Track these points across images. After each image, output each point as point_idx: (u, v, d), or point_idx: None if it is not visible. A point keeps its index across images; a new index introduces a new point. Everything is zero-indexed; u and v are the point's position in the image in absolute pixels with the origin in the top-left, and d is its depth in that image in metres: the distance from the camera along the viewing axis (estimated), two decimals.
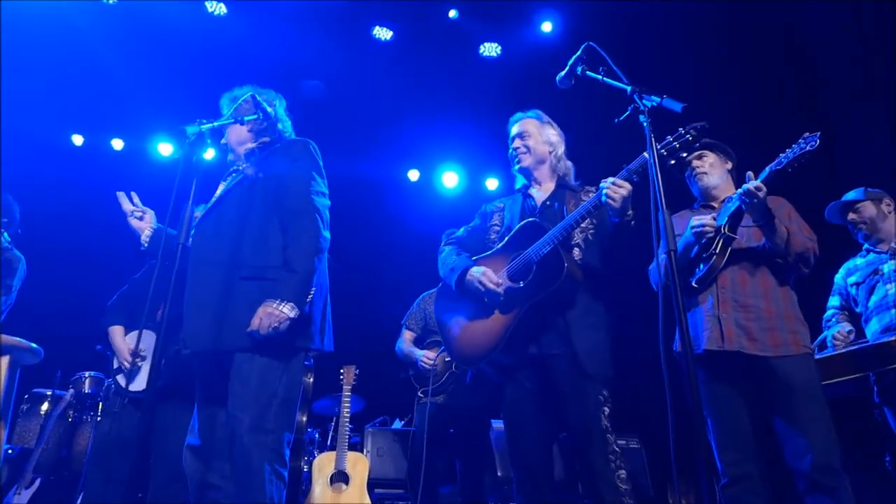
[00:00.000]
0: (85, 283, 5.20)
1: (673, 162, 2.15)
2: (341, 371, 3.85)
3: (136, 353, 3.14)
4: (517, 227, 2.43)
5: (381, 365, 4.30)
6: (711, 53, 5.47)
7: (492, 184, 6.65)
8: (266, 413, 1.91)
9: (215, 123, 2.10)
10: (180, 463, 2.78)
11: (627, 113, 1.92)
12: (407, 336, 3.91)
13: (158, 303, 3.10)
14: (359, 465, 3.51)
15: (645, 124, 1.86)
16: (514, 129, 2.66)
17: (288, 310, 1.91)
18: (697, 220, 2.37)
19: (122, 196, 2.41)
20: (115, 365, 3.23)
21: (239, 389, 1.93)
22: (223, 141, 2.40)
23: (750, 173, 2.25)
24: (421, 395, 3.71)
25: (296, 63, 5.63)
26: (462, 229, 2.74)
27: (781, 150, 2.26)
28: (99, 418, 4.56)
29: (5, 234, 3.38)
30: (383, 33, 5.92)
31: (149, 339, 3.05)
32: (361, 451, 3.87)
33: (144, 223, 2.39)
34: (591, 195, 2.35)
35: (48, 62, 5.25)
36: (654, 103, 1.85)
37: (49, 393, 4.32)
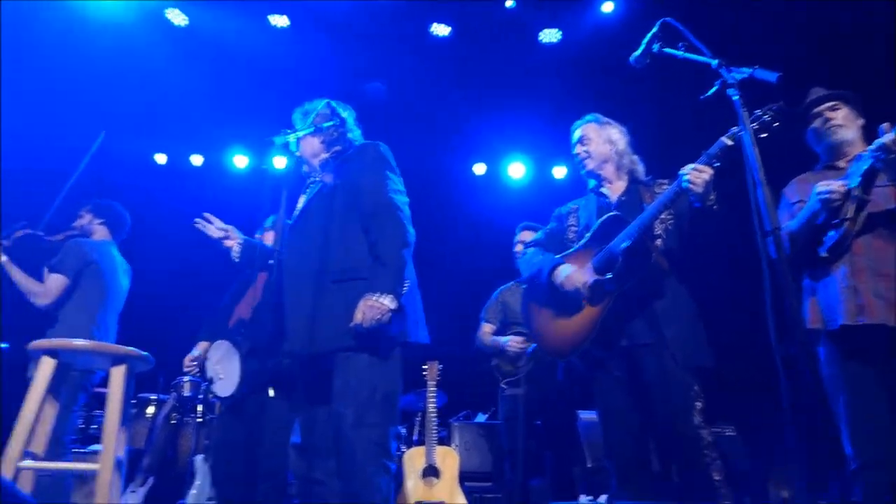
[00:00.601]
0: (181, 292, 5.54)
1: (765, 135, 2.05)
2: (424, 367, 3.90)
3: (201, 361, 3.34)
4: (599, 221, 2.42)
5: (460, 359, 4.33)
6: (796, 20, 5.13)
7: (559, 172, 6.56)
8: (369, 408, 1.97)
9: (300, 133, 2.17)
10: (272, 461, 2.95)
11: (715, 88, 1.84)
12: (486, 329, 3.93)
13: (230, 313, 3.30)
14: (448, 460, 3.56)
15: (735, 98, 1.78)
16: (575, 136, 2.66)
17: (388, 301, 1.96)
18: (823, 185, 2.19)
19: (202, 224, 2.51)
20: (209, 374, 3.41)
21: (341, 387, 1.99)
22: (297, 153, 2.48)
23: (885, 125, 2.06)
24: (504, 387, 3.72)
25: (358, 67, 5.74)
26: (539, 233, 2.75)
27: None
28: (199, 419, 4.83)
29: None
30: (441, 30, 5.93)
31: (223, 348, 3.18)
32: (449, 446, 3.91)
33: (231, 240, 2.50)
34: (664, 187, 2.33)
35: (128, 87, 5.56)
36: (745, 76, 1.77)
37: (154, 397, 4.61)
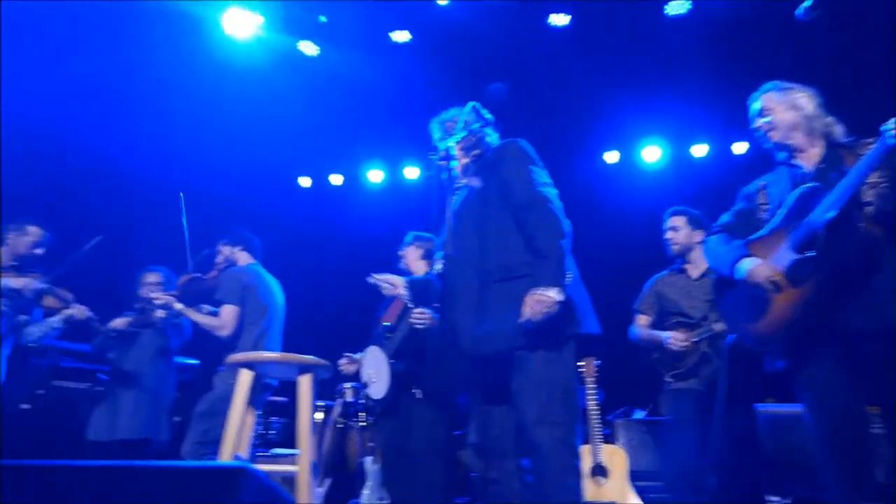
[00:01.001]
0: (331, 304, 5.90)
1: None
2: (581, 364, 3.82)
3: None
4: (793, 196, 2.18)
5: (615, 354, 4.18)
6: None
7: (699, 150, 6.17)
8: (551, 405, 1.95)
9: (456, 137, 2.21)
10: (423, 459, 3.04)
11: None
12: (642, 321, 3.76)
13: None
14: (616, 458, 3.45)
15: None
16: (754, 109, 2.43)
17: (554, 294, 1.94)
18: None
19: (376, 281, 2.65)
20: (363, 379, 3.57)
21: (519, 386, 1.99)
22: (439, 162, 2.52)
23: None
24: (670, 380, 3.53)
25: (482, 66, 5.78)
26: (727, 215, 2.54)
27: None
28: (362, 423, 5.08)
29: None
30: (560, 19, 5.81)
31: (374, 352, 3.31)
32: (613, 444, 3.79)
33: (397, 288, 2.61)
34: (869, 147, 2.04)
35: (269, 116, 6.01)
36: None
37: (321, 404, 4.93)
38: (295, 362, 2.34)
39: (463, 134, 2.33)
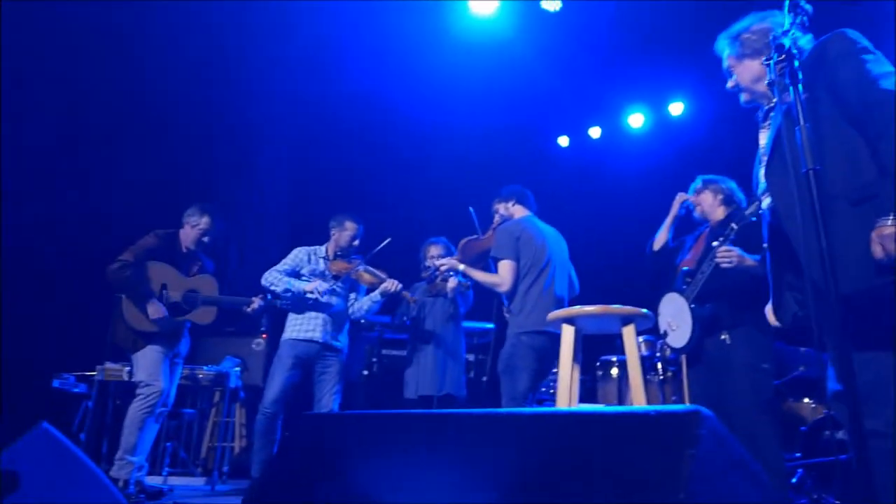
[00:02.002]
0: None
1: None
2: None
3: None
4: None
5: None
6: None
7: None
8: None
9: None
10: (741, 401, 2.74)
11: None
12: None
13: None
14: None
15: None
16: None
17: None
18: None
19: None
20: (662, 328, 3.35)
21: (884, 331, 1.66)
22: (730, 85, 2.17)
23: None
24: None
25: None
26: None
27: None
28: (661, 377, 4.89)
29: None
30: None
31: (673, 300, 3.08)
32: None
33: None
34: None
35: (523, 84, 6.06)
36: None
37: (614, 359, 4.88)
38: (617, 314, 2.30)
39: (766, 41, 1.98)
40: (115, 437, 3.98)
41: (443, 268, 3.76)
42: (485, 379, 4.70)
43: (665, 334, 3.27)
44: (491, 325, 5.02)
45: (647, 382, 4.73)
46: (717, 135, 5.49)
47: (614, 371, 4.87)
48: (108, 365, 4.31)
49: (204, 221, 3.88)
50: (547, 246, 3.57)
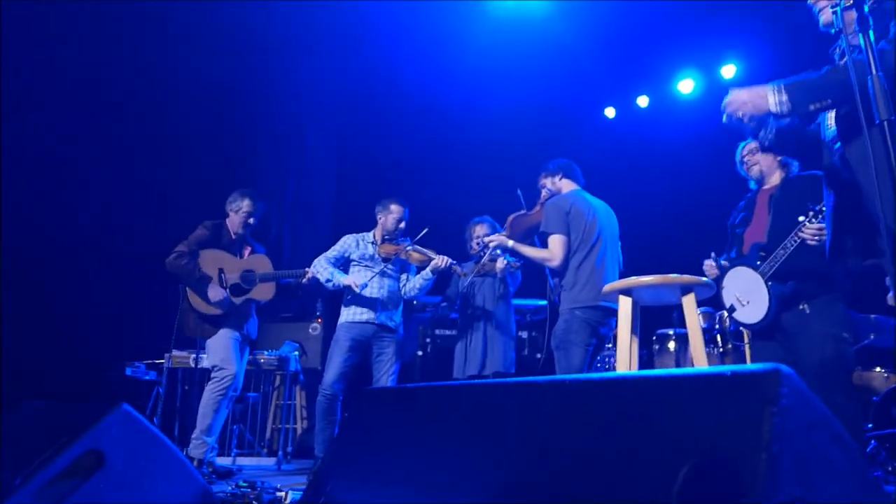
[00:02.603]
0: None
1: None
2: None
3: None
4: None
5: None
6: None
7: None
8: None
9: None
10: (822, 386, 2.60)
11: None
12: None
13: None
14: None
15: None
16: None
17: None
18: None
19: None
20: (727, 303, 3.23)
21: None
22: (833, 30, 2.02)
23: None
24: None
25: None
26: None
27: None
28: (721, 350, 4.75)
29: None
30: None
31: (743, 274, 2.94)
32: None
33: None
34: None
35: (565, 62, 5.94)
36: None
37: (671, 332, 4.78)
38: (676, 283, 2.24)
39: None
40: (185, 421, 4.17)
41: (492, 244, 3.71)
42: (539, 356, 4.68)
43: (732, 309, 3.09)
44: (544, 302, 4.98)
45: (709, 356, 4.63)
46: None
47: (671, 344, 4.78)
48: (175, 352, 4.50)
49: (246, 204, 3.99)
50: (598, 220, 3.49)
